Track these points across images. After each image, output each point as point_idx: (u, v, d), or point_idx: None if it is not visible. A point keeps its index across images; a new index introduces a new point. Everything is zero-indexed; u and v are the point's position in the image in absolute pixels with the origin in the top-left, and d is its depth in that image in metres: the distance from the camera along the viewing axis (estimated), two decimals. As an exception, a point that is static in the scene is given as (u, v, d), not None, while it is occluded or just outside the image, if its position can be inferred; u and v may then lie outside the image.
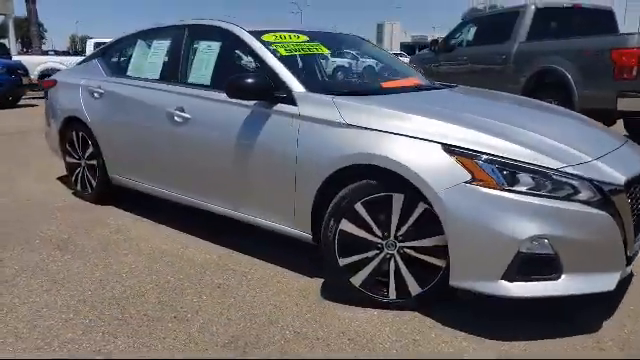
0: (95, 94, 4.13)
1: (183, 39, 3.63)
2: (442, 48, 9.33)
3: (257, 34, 3.28)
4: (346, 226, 2.55)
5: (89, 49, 16.13)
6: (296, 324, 2.49)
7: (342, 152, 2.57)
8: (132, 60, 4.05)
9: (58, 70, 15.50)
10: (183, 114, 3.37)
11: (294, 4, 71.32)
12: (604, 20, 8.12)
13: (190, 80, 3.49)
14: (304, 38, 3.45)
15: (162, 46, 3.80)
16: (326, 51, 3.53)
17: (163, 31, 3.93)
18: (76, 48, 77.23)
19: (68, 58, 16.85)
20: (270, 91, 2.91)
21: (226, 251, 3.37)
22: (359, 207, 2.50)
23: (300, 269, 3.06)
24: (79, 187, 4.51)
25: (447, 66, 9.11)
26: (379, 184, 2.46)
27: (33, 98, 14.57)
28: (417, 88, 3.44)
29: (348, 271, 2.61)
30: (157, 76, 3.74)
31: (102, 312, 2.59)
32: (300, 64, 3.23)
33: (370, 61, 4.36)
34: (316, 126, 2.72)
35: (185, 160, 3.42)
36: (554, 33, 7.68)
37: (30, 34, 20.28)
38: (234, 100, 3.06)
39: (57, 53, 25.82)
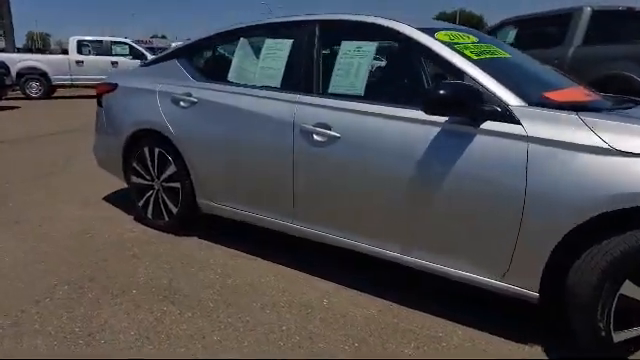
0: (182, 103, 3.37)
1: (315, 38, 2.93)
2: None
3: (430, 32, 2.61)
4: (631, 290, 1.91)
5: (72, 47, 14.96)
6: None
7: (611, 190, 1.93)
8: (234, 63, 3.31)
9: (38, 69, 14.43)
10: (328, 132, 2.67)
11: (265, 5, 70.21)
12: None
13: (333, 90, 2.80)
14: (474, 39, 2.80)
15: (281, 47, 3.08)
16: (507, 55, 2.88)
17: (280, 28, 3.21)
18: (34, 46, 74.22)
19: (50, 57, 15.57)
20: (476, 105, 2.24)
21: (381, 302, 2.71)
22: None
23: (505, 332, 2.44)
24: (150, 214, 3.72)
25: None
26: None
27: (13, 99, 13.38)
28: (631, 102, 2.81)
29: (624, 349, 1.96)
30: (277, 84, 3.02)
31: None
32: (498, 70, 2.56)
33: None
34: (559, 153, 2.07)
35: (328, 188, 2.75)
36: (611, 37, 7.25)
37: (4, 29, 18.77)
38: (408, 115, 2.46)
39: (19, 50, 24.12)
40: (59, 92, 15.43)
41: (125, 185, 4.61)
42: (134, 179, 3.77)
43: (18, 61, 14.23)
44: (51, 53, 21.53)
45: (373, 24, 2.75)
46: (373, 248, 2.67)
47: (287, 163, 2.87)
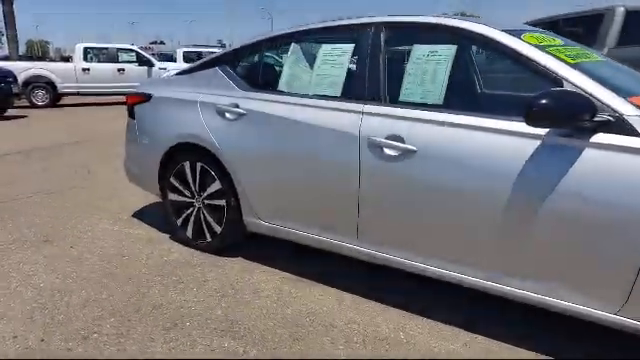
0: (228, 115, 3.10)
1: (380, 43, 2.68)
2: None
3: (516, 34, 2.35)
4: None
5: (78, 55, 14.70)
6: None
7: None
8: (285, 70, 3.04)
9: (44, 77, 14.16)
10: (402, 145, 2.41)
11: (264, 10, 70.09)
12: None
13: (405, 98, 2.53)
14: (559, 41, 2.54)
15: (340, 52, 2.82)
16: (601, 59, 2.62)
17: (338, 32, 2.95)
18: (34, 53, 74.12)
19: (56, 65, 15.30)
20: (586, 115, 1.98)
21: (465, 334, 2.45)
22: None
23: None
24: (190, 233, 3.45)
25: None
26: None
27: (19, 108, 13.12)
28: None
29: None
30: (338, 92, 2.76)
31: None
32: (603, 76, 2.28)
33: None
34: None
35: (401, 207, 2.50)
36: (646, 39, 6.98)
37: (7, 38, 18.53)
38: (498, 126, 2.21)
39: (21, 58, 23.80)
40: (64, 100, 15.14)
41: (154, 200, 4.40)
42: (172, 196, 3.50)
43: (24, 69, 13.95)
44: (52, 61, 21.28)
45: (449, 26, 2.50)
46: (454, 274, 2.42)
47: (352, 179, 2.60)
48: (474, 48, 2.60)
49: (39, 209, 4.34)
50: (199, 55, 18.52)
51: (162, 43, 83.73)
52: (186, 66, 3.74)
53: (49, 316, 2.58)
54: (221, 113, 3.15)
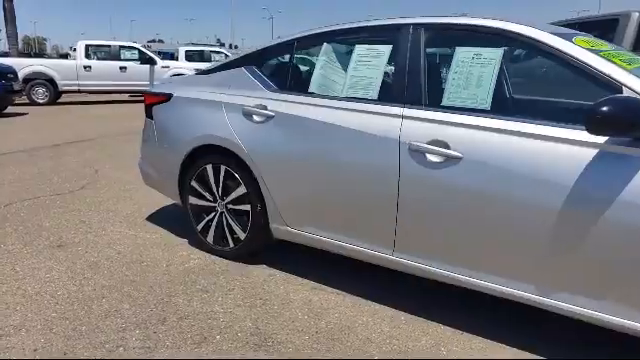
0: (255, 117, 2.98)
1: (420, 44, 2.56)
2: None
3: (567, 37, 2.23)
4: None
5: (80, 52, 14.53)
6: None
7: None
8: (316, 72, 2.92)
9: (45, 74, 13.96)
10: (446, 151, 2.29)
11: (265, 9, 69.98)
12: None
13: (448, 102, 2.41)
14: (607, 46, 2.43)
15: (377, 53, 2.70)
16: None
17: (373, 33, 2.82)
18: (31, 50, 73.72)
19: (57, 62, 15.11)
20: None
21: (511, 351, 2.34)
22: None
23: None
24: (211, 239, 3.32)
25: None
26: None
27: (18, 105, 12.95)
28: None
29: None
30: (374, 95, 2.64)
31: None
32: None
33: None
34: None
35: (444, 216, 2.37)
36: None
37: (7, 34, 18.32)
38: (555, 134, 2.10)
39: (20, 55, 23.53)
40: (64, 97, 14.96)
41: (167, 203, 4.27)
42: (192, 200, 3.37)
43: (25, 66, 13.76)
44: (50, 57, 21.10)
45: (495, 28, 2.38)
46: (500, 287, 2.29)
47: (390, 186, 2.49)
48: (520, 51, 2.48)
49: (49, 211, 4.20)
50: (201, 54, 18.39)
51: (161, 41, 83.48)
52: (208, 65, 3.61)
53: (70, 327, 2.44)
54: (248, 115, 3.02)
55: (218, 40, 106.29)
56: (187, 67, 15.61)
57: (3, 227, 3.80)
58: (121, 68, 14.67)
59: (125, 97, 16.45)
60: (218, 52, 19.36)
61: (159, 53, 25.52)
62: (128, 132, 8.77)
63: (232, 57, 3.39)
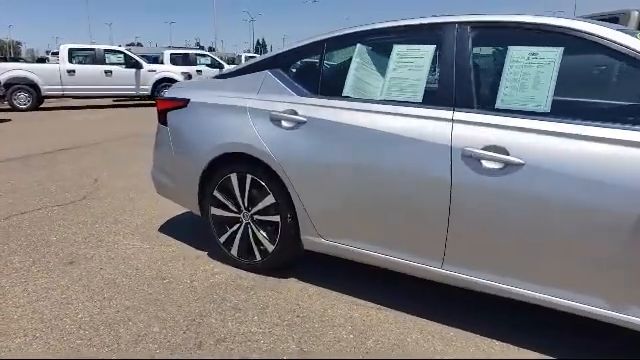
0: (285, 123, 2.80)
1: (467, 44, 2.42)
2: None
3: (631, 34, 2.10)
4: None
5: (63, 56, 14.13)
6: None
7: None
8: (350, 74, 2.76)
9: (27, 79, 13.53)
10: (505, 157, 2.15)
11: (246, 12, 69.54)
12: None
13: (502, 105, 2.27)
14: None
15: (419, 54, 2.55)
16: None
17: (413, 32, 2.67)
18: (7, 55, 72.25)
19: (40, 66, 14.67)
20: None
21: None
22: None
23: None
24: (236, 252, 3.13)
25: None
26: None
27: (0, 110, 12.54)
28: None
29: None
30: (418, 98, 2.48)
31: None
32: None
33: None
34: None
35: (505, 227, 2.23)
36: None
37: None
38: (629, 138, 1.96)
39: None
40: (46, 102, 14.53)
41: (178, 212, 4.09)
42: (214, 210, 3.18)
43: (5, 70, 13.32)
44: (25, 62, 20.49)
45: (553, 25, 2.24)
46: (570, 303, 2.14)
47: (441, 194, 2.33)
48: (581, 50, 2.34)
49: (53, 224, 3.96)
50: (185, 57, 18.08)
51: (139, 45, 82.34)
52: (231, 68, 3.42)
53: (101, 356, 2.23)
54: (276, 121, 2.84)
55: (197, 43, 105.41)
56: (174, 70, 15.30)
57: (7, 243, 3.56)
58: (106, 72, 14.31)
59: (110, 102, 16.07)
60: (203, 55, 19.06)
61: (143, 57, 25.13)
62: (119, 137, 8.51)
63: (252, 60, 3.20)
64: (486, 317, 2.59)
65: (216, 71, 17.04)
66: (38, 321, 2.52)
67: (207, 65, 17.72)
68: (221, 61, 18.54)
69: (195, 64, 17.55)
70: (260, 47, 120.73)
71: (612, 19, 7.53)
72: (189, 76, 15.00)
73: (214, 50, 59.54)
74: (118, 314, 2.60)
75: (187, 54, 18.29)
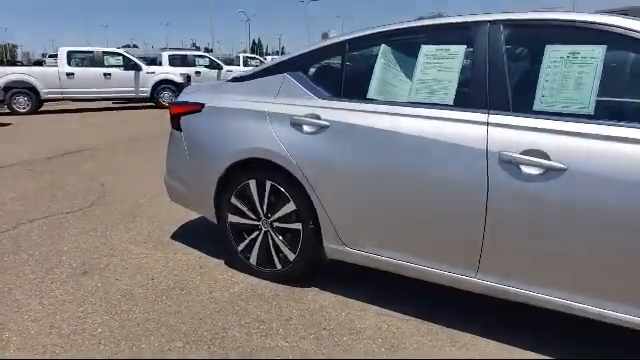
0: (306, 127, 2.71)
1: (501, 43, 2.33)
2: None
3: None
4: None
5: (61, 59, 14.00)
6: None
7: None
8: (375, 76, 2.67)
9: (26, 82, 13.39)
10: (546, 162, 2.07)
11: (242, 12, 69.38)
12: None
13: (541, 107, 2.18)
14: None
15: (449, 54, 2.46)
16: None
17: (442, 32, 2.59)
18: (3, 58, 71.95)
19: (39, 69, 14.53)
20: None
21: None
22: None
23: None
24: (254, 260, 3.04)
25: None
26: None
27: (0, 114, 12.42)
28: None
29: None
30: (449, 101, 2.39)
31: None
32: None
33: None
34: None
35: (546, 235, 2.14)
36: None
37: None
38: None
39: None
40: (45, 106, 14.39)
41: (189, 218, 4.01)
42: (232, 218, 3.08)
43: (4, 74, 13.19)
44: (23, 65, 20.37)
45: (596, 23, 2.15)
46: (623, 316, 2.05)
47: (476, 201, 2.24)
48: (620, 47, 2.25)
49: (63, 233, 3.86)
50: (184, 58, 17.93)
51: (135, 46, 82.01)
52: (248, 70, 3.32)
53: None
54: (297, 125, 2.75)
55: (194, 44, 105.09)
56: (173, 72, 15.19)
57: (17, 253, 3.45)
58: (105, 75, 14.18)
59: (110, 104, 15.95)
60: (202, 56, 18.92)
61: (141, 59, 24.99)
62: (121, 141, 8.41)
63: (269, 62, 3.10)
64: (524, 328, 2.49)
65: (215, 72, 16.97)
66: (56, 336, 2.43)
67: (206, 66, 17.57)
68: (219, 62, 18.39)
69: (194, 65, 17.41)
70: (256, 47, 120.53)
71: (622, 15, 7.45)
72: (188, 77, 14.87)
73: (211, 51, 59.36)
74: (138, 327, 2.51)
75: (185, 55, 18.16)
